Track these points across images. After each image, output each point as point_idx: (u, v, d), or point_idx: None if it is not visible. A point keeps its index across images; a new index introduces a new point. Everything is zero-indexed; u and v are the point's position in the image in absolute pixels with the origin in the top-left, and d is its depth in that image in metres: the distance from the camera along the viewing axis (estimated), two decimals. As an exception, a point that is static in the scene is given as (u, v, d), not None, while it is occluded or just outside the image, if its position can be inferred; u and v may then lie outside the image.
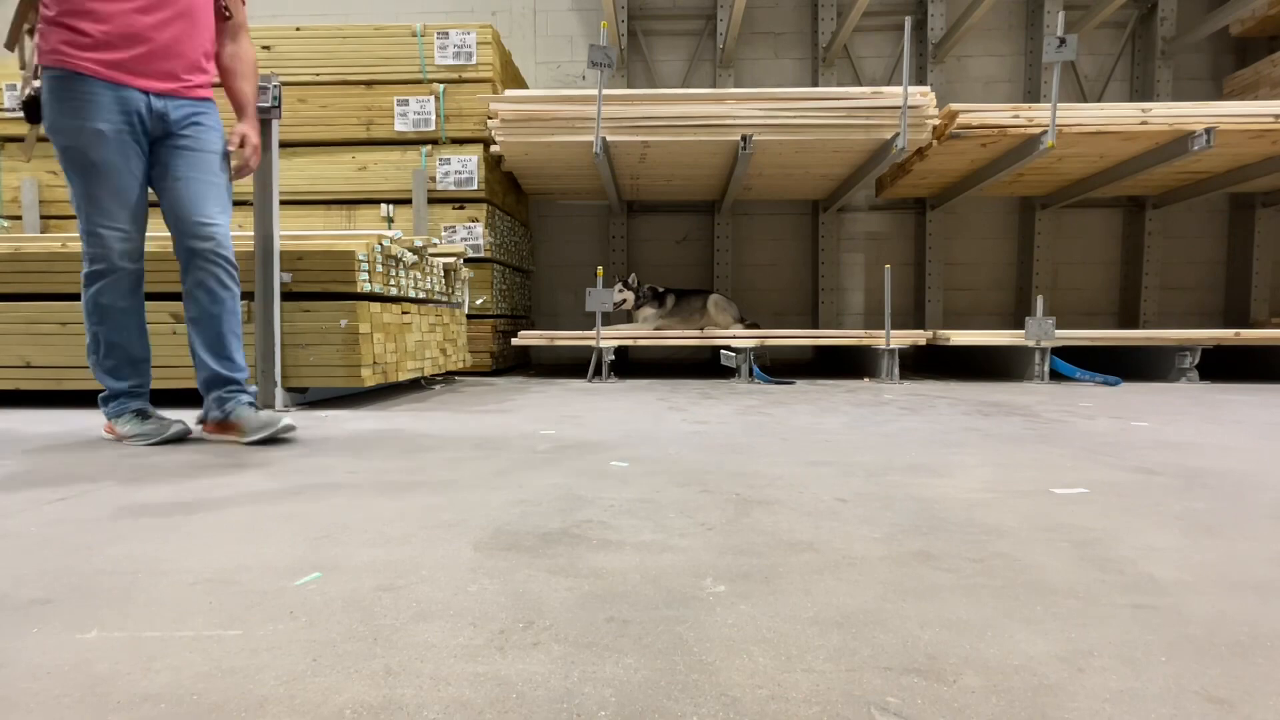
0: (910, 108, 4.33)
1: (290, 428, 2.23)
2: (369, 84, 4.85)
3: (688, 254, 6.50)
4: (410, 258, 3.52)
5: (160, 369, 3.04)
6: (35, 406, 3.04)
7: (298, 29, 4.89)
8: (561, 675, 0.77)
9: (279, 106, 2.96)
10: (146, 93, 2.11)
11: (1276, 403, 3.22)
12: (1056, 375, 4.29)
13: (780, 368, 5.48)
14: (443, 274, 4.05)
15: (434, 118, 4.81)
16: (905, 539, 1.22)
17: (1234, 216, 6.25)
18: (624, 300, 5.12)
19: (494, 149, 4.69)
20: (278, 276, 2.96)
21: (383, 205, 4.87)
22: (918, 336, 4.55)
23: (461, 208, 4.89)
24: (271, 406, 2.95)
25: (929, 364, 5.80)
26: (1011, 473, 1.75)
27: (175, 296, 3.04)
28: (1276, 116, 4.40)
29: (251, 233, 2.99)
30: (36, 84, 2.07)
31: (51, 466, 1.85)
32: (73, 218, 4.95)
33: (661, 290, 5.25)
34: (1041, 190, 6.02)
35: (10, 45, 2.13)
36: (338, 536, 1.24)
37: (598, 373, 4.46)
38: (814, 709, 0.70)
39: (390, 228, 4.76)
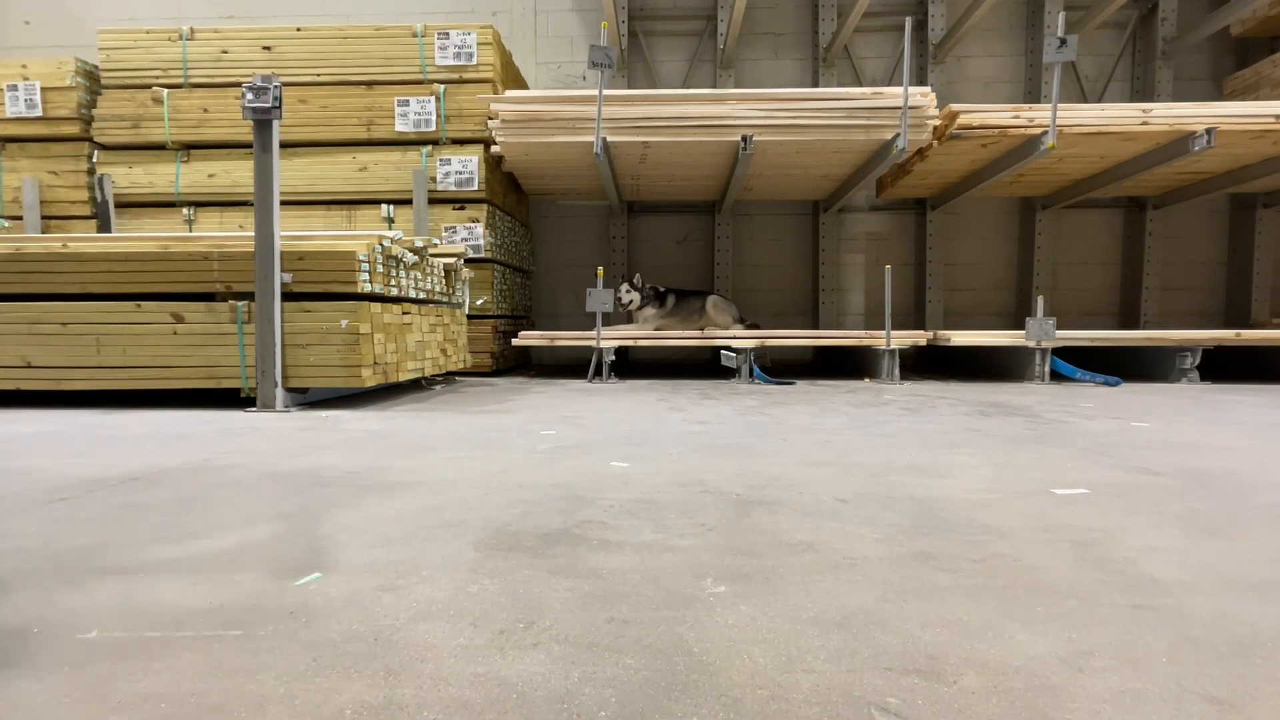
0: (910, 108, 4.33)
1: None
2: (369, 84, 4.85)
3: (688, 254, 6.50)
4: (410, 258, 3.52)
5: (160, 369, 3.06)
6: (35, 406, 3.04)
7: (298, 29, 4.90)
8: (562, 675, 0.77)
9: (279, 107, 2.97)
10: None
11: (1277, 403, 3.21)
12: (1057, 376, 4.29)
13: (780, 368, 5.47)
14: (443, 274, 4.05)
15: (434, 118, 4.81)
16: (906, 539, 1.22)
17: (1234, 217, 6.25)
18: (631, 301, 5.14)
19: (494, 149, 4.69)
20: (278, 276, 2.96)
21: (383, 205, 4.88)
22: (918, 337, 4.55)
23: (462, 208, 4.89)
24: (272, 406, 2.95)
25: (929, 364, 5.80)
26: (1012, 473, 1.74)
27: (175, 296, 3.05)
28: (1277, 117, 4.40)
29: (252, 233, 3.00)
30: None
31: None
32: (74, 218, 4.96)
33: (662, 290, 5.25)
34: (1042, 190, 6.01)
35: None
36: (338, 536, 1.24)
37: (598, 373, 4.46)
38: (814, 709, 0.70)
39: (391, 228, 4.76)
